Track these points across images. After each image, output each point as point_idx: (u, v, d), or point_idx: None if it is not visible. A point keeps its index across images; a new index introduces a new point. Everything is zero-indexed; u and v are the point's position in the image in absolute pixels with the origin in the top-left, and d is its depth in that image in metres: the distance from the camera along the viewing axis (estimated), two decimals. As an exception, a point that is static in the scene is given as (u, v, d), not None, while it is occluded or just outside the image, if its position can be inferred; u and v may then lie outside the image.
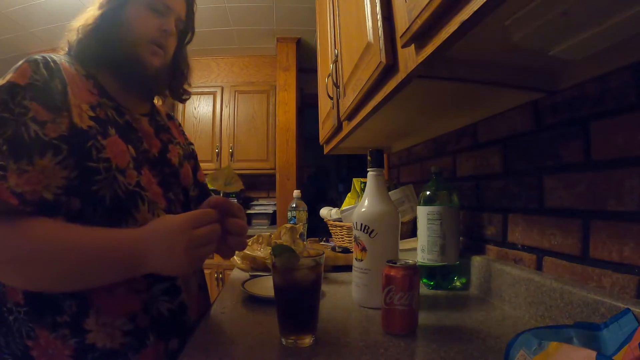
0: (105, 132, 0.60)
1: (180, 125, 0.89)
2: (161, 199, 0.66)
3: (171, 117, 0.86)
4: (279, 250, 0.58)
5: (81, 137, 0.57)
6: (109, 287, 0.56)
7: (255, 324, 0.65)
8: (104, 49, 0.66)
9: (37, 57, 0.58)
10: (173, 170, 0.73)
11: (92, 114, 0.60)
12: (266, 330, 0.60)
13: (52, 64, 0.58)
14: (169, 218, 0.58)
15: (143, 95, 0.74)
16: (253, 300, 0.77)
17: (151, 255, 0.54)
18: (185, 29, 0.77)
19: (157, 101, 0.82)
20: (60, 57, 0.63)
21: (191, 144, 0.89)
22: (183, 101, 0.85)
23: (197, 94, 3.10)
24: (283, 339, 0.55)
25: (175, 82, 0.79)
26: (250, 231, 2.90)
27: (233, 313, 0.71)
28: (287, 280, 0.57)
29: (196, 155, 0.89)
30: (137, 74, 0.67)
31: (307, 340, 0.55)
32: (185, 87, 0.83)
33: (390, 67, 0.59)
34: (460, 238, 0.93)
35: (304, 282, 0.56)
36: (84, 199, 0.57)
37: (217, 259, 2.81)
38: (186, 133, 0.90)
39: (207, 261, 0.79)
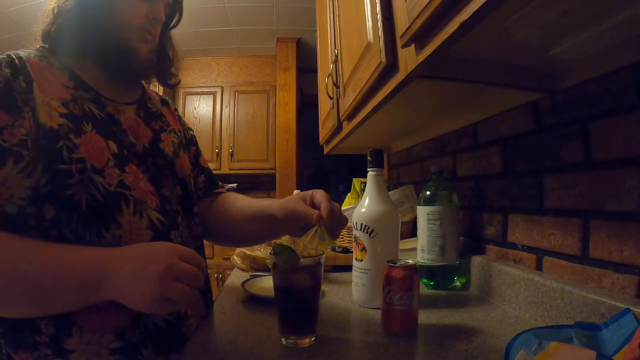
0: (80, 129, 0.55)
1: (176, 110, 0.84)
2: (152, 197, 0.61)
3: (166, 103, 0.81)
4: (279, 250, 0.58)
5: (50, 138, 0.52)
6: None
7: (255, 324, 0.65)
8: (88, 37, 0.60)
9: (2, 56, 0.54)
10: (167, 161, 0.67)
11: (64, 111, 0.55)
12: (266, 330, 0.60)
13: (16, 60, 0.54)
14: (153, 242, 0.54)
15: (131, 83, 0.69)
16: (253, 300, 0.77)
17: (116, 275, 0.47)
18: (172, 12, 0.72)
19: (148, 86, 0.78)
20: (30, 51, 0.58)
21: (190, 129, 0.84)
22: (170, 86, 0.79)
23: (197, 94, 3.11)
24: (283, 339, 0.55)
25: (161, 66, 0.74)
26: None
27: (233, 313, 0.71)
28: (287, 280, 0.57)
29: (196, 141, 0.85)
30: (127, 62, 0.63)
31: (307, 341, 0.55)
32: (173, 71, 0.77)
33: (390, 67, 0.59)
34: (460, 238, 0.93)
35: (304, 282, 0.56)
36: (58, 206, 0.52)
37: (216, 258, 2.81)
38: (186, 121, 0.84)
39: (207, 261, 0.78)
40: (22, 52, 0.57)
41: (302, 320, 0.56)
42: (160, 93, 0.89)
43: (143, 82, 0.74)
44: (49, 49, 0.61)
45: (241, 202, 0.78)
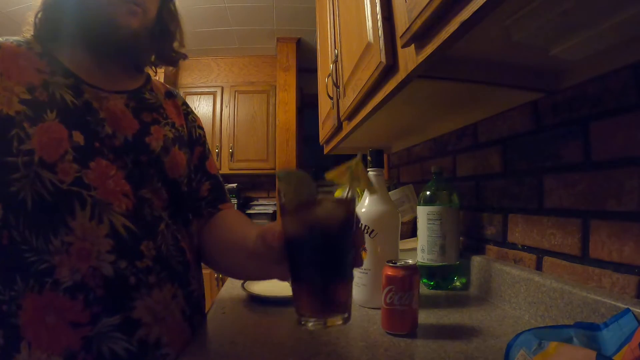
0: (39, 116, 0.49)
1: (185, 104, 0.74)
2: (121, 199, 0.53)
3: (171, 95, 0.71)
4: (285, 174, 0.40)
5: (4, 126, 0.48)
6: (39, 316, 0.46)
7: (255, 324, 0.65)
8: (71, 20, 0.56)
9: None
10: (152, 158, 0.58)
11: (26, 97, 0.49)
12: (266, 330, 0.60)
13: None
14: None
15: (126, 68, 0.63)
16: (253, 300, 0.77)
17: None
18: None
19: (153, 75, 0.70)
20: (10, 38, 0.55)
21: (200, 127, 0.74)
22: (174, 64, 0.71)
23: (197, 94, 3.10)
24: (303, 320, 0.39)
25: (161, 43, 0.66)
26: (250, 231, 2.84)
27: (233, 313, 0.71)
28: (302, 222, 0.39)
29: (205, 142, 0.74)
30: (115, 41, 0.56)
31: (339, 318, 0.38)
32: (176, 47, 0.69)
33: (390, 67, 0.59)
34: (460, 238, 0.93)
35: (329, 225, 0.38)
36: (5, 204, 0.48)
37: (217, 259, 2.81)
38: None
39: (203, 274, 0.68)
40: (2, 39, 0.53)
41: (330, 289, 0.38)
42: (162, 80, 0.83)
43: (150, 70, 0.68)
44: (36, 37, 0.57)
45: (238, 228, 0.62)
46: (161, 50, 0.67)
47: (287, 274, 0.41)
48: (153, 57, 0.68)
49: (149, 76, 0.69)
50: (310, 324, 0.39)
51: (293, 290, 0.40)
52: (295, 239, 0.39)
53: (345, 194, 0.39)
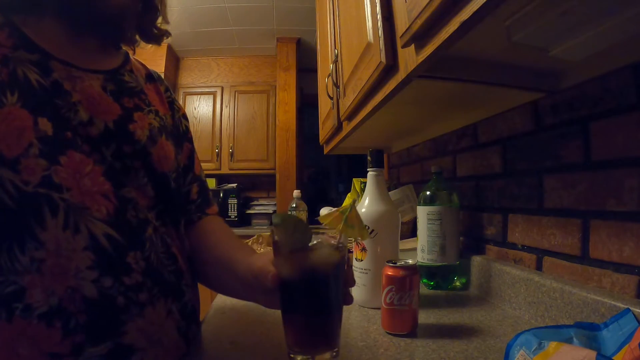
0: None
1: (169, 91, 0.66)
2: (101, 202, 0.44)
3: (153, 79, 0.63)
4: (280, 220, 0.39)
5: None
6: (10, 347, 0.38)
7: (255, 324, 0.65)
8: None
9: None
10: (138, 148, 0.50)
11: None
12: (266, 330, 0.60)
13: None
14: None
15: (103, 42, 0.54)
16: (253, 300, 0.77)
17: None
18: None
19: (133, 53, 0.62)
20: None
21: (185, 119, 0.67)
22: (157, 42, 0.63)
23: (197, 94, 3.11)
24: (293, 354, 0.41)
25: (145, 19, 0.59)
26: (250, 231, 2.86)
27: (233, 313, 0.71)
28: (296, 267, 0.40)
29: (192, 138, 0.68)
30: (93, 7, 0.47)
31: (328, 356, 0.40)
32: (160, 25, 0.62)
33: (390, 67, 0.59)
34: (460, 238, 0.93)
35: (324, 270, 0.40)
36: None
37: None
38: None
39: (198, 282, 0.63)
40: None
41: (320, 327, 0.41)
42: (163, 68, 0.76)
43: (129, 49, 0.61)
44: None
45: (224, 239, 0.60)
46: (143, 25, 0.59)
47: (276, 304, 0.43)
48: (134, 34, 0.61)
49: (127, 55, 0.61)
50: (299, 359, 0.41)
51: (284, 323, 0.43)
52: (288, 280, 0.41)
53: (338, 240, 0.42)
